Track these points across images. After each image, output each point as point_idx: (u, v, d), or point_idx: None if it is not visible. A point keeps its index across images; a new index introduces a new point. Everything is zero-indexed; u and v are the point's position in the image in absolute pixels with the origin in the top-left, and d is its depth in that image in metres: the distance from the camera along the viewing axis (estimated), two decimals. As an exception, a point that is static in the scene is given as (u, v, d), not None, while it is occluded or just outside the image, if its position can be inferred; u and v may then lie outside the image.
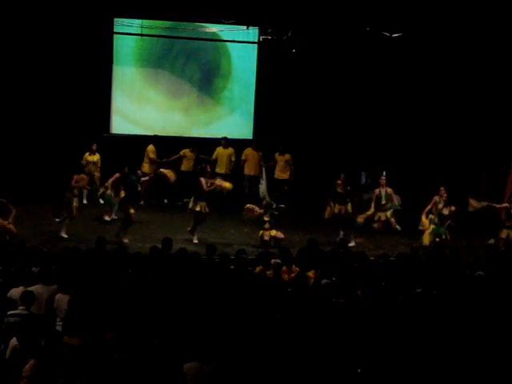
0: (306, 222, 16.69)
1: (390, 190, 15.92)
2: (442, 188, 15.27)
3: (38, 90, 18.02)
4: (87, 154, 17.66)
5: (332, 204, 15.30)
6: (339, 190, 15.28)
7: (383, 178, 16.21)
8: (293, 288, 9.61)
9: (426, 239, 14.98)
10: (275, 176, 18.32)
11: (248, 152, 18.38)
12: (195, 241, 14.51)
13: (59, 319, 8.50)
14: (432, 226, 15.07)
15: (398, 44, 18.87)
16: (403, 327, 8.35)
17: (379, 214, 15.70)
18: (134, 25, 18.52)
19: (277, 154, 18.35)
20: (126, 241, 13.94)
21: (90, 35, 17.85)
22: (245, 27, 19.15)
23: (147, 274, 9.74)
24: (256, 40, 19.69)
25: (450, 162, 19.06)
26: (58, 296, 8.71)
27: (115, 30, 18.79)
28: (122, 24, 18.65)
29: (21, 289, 8.58)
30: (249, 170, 18.33)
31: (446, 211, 15.10)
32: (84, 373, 6.63)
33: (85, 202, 17.65)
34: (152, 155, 18.00)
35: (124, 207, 14.69)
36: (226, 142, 18.34)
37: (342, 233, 15.23)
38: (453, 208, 15.08)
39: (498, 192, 17.60)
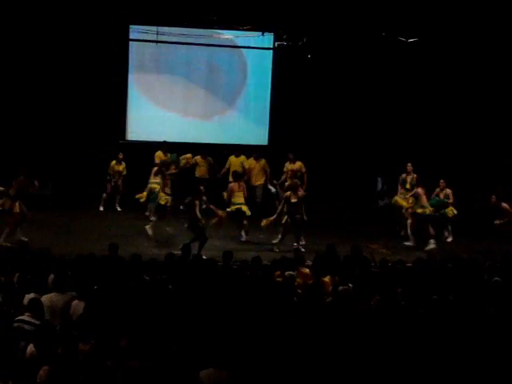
0: (322, 228, 16.59)
1: (415, 176, 16.28)
2: (441, 181, 15.89)
3: (55, 98, 18.13)
4: (114, 162, 17.73)
5: None
6: None
7: (409, 164, 16.41)
8: (308, 294, 9.55)
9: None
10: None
11: (250, 162, 17.72)
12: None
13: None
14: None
15: (414, 49, 18.83)
16: (419, 334, 8.29)
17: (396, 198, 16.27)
18: (150, 32, 18.58)
19: (287, 164, 17.64)
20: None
21: (106, 42, 17.97)
22: (260, 33, 19.18)
23: (163, 281, 9.73)
24: (271, 46, 19.70)
25: (466, 167, 18.96)
26: (75, 303, 8.71)
27: (131, 37, 18.86)
28: (137, 31, 18.74)
29: (31, 295, 8.58)
30: (254, 180, 17.66)
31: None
32: (98, 380, 6.61)
33: (101, 209, 17.70)
34: (157, 160, 17.76)
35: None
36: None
37: None
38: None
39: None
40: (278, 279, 10.36)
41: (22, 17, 17.29)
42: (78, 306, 8.62)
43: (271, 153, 18.69)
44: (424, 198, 15.66)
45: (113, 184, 17.78)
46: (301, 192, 14.87)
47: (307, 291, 9.62)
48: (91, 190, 17.81)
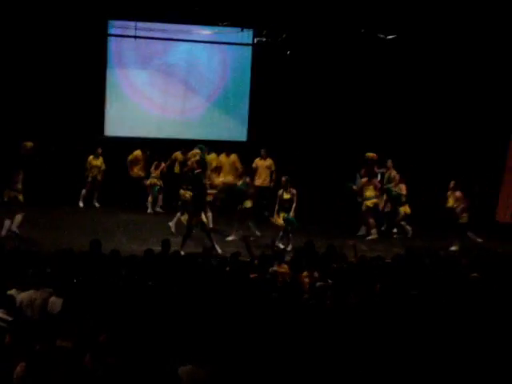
0: (302, 225, 16.55)
1: (394, 172, 16.85)
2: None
3: (32, 93, 17.96)
4: (91, 157, 17.73)
5: None
6: None
7: (389, 160, 17.04)
8: (286, 291, 9.56)
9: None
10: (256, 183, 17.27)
11: (221, 158, 17.78)
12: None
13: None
14: None
15: (393, 46, 18.89)
16: (399, 329, 8.32)
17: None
18: (129, 27, 18.50)
19: (257, 160, 17.83)
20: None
21: (84, 37, 17.85)
22: (239, 29, 19.15)
23: (142, 277, 9.71)
24: (250, 42, 19.67)
25: (450, 166, 19.10)
26: (52, 299, 8.67)
27: (109, 32, 18.77)
28: (115, 26, 18.65)
29: (13, 291, 8.52)
30: (223, 176, 17.66)
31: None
32: (76, 376, 6.58)
33: (81, 205, 17.63)
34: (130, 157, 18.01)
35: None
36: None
37: None
38: None
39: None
40: (253, 275, 10.37)
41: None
42: (55, 302, 8.59)
43: (250, 149, 18.69)
44: (369, 189, 16.10)
45: (90, 179, 17.69)
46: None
47: (285, 288, 9.64)
48: (70, 186, 17.70)
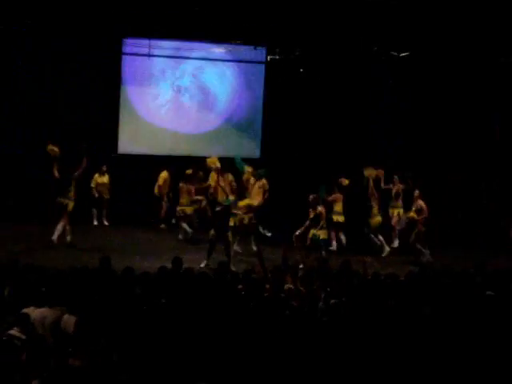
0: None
1: (401, 187, 17.09)
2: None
3: (47, 111, 18.06)
4: (97, 175, 17.70)
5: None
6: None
7: (396, 176, 17.17)
8: (302, 308, 9.55)
9: None
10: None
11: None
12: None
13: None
14: None
15: (406, 63, 18.90)
16: (412, 347, 8.28)
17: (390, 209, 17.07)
18: (142, 45, 18.60)
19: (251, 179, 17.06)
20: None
21: (98, 56, 17.96)
22: (252, 47, 19.23)
23: (155, 294, 9.70)
24: (264, 60, 19.73)
25: (460, 184, 19.10)
26: (65, 317, 8.67)
27: (123, 51, 18.87)
28: (129, 44, 18.75)
29: (31, 309, 8.54)
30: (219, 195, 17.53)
31: None
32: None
33: (95, 223, 17.60)
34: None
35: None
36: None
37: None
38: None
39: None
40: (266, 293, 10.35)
41: (15, 26, 17.28)
42: (68, 320, 8.58)
43: (263, 166, 18.68)
44: (338, 205, 16.30)
45: (97, 197, 17.74)
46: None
47: (300, 307, 9.62)
48: (83, 204, 17.69)
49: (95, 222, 17.72)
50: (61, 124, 18.07)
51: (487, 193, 19.21)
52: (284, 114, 19.48)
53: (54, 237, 14.97)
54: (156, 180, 17.89)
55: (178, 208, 16.89)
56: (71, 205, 15.06)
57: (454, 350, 8.27)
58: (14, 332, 7.96)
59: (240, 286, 10.56)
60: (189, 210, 16.83)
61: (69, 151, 17.77)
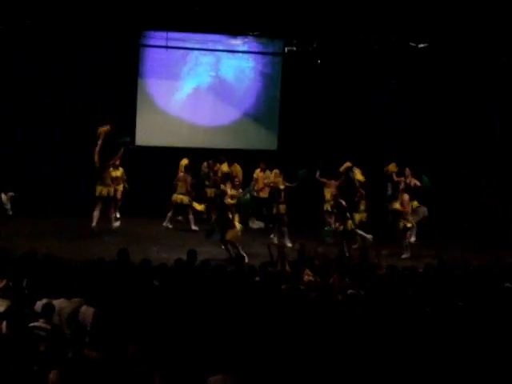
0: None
1: (414, 181, 16.71)
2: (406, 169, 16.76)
3: (64, 103, 18.12)
4: (111, 169, 16.81)
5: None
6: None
7: (407, 169, 16.82)
8: (319, 298, 9.53)
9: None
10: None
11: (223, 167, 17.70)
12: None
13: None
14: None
15: (425, 54, 18.79)
16: (431, 340, 8.24)
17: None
18: (160, 37, 18.61)
19: (257, 171, 17.92)
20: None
21: (117, 48, 17.98)
22: (270, 39, 19.17)
23: (172, 286, 9.71)
24: (281, 52, 19.67)
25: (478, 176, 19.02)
26: (83, 308, 8.69)
27: (141, 43, 18.88)
28: (147, 36, 18.77)
29: (44, 301, 8.57)
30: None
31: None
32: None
33: (118, 215, 17.16)
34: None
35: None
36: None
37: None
38: None
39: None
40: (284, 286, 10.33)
41: (33, 19, 17.32)
42: (87, 311, 8.61)
43: (281, 158, 18.67)
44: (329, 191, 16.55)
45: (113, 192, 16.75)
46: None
47: (319, 294, 9.61)
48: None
49: (118, 215, 17.10)
50: (79, 116, 18.12)
51: (487, 190, 19.07)
52: (301, 107, 19.42)
53: (94, 224, 15.53)
54: (174, 171, 17.84)
55: (174, 196, 16.94)
56: (111, 190, 15.80)
57: (475, 342, 8.23)
58: (39, 323, 8.02)
59: (257, 278, 10.56)
60: (184, 199, 16.89)
61: (86, 142, 17.92)
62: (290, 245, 15.34)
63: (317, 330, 8.33)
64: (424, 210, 18.26)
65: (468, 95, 19.03)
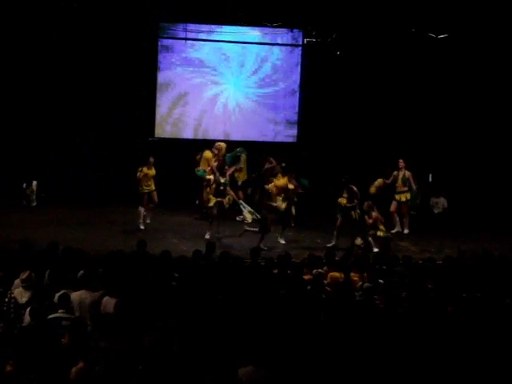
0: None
1: (408, 173, 16.44)
2: (400, 161, 16.40)
3: (84, 95, 18.21)
4: (145, 168, 15.83)
5: None
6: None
7: (401, 161, 16.51)
8: (339, 291, 9.55)
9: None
10: None
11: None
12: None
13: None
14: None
15: (444, 45, 18.69)
16: (451, 331, 8.24)
17: (396, 195, 16.44)
18: (179, 29, 18.65)
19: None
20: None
21: (136, 40, 18.04)
22: (289, 30, 19.15)
23: (191, 278, 9.76)
24: (300, 43, 19.64)
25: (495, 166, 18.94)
26: (105, 299, 8.75)
27: (160, 34, 18.93)
28: (166, 28, 18.81)
29: (61, 292, 8.64)
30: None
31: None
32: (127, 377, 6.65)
33: (142, 227, 15.84)
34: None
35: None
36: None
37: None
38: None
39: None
40: (307, 277, 10.35)
41: (52, 12, 17.41)
42: (108, 302, 8.67)
43: (301, 150, 18.67)
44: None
45: (147, 191, 15.82)
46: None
47: (338, 288, 9.62)
48: (119, 187, 17.82)
49: (142, 227, 15.69)
50: (98, 108, 18.22)
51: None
52: (321, 98, 19.38)
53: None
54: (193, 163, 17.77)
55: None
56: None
57: (496, 334, 8.22)
58: (60, 314, 8.10)
59: (275, 271, 10.58)
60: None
61: (105, 135, 18.04)
62: (283, 242, 14.99)
63: (335, 322, 8.37)
64: (443, 201, 18.27)
65: (489, 86, 18.91)
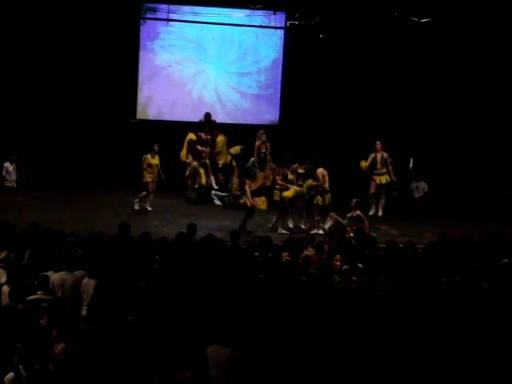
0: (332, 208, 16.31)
1: (385, 154, 16.57)
2: (377, 142, 16.53)
3: (66, 77, 18.08)
4: (149, 156, 15.70)
5: None
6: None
7: (378, 142, 16.58)
8: (319, 274, 9.59)
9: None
10: None
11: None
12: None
13: (85, 304, 8.57)
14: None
15: (427, 29, 18.70)
16: (431, 317, 8.29)
17: (375, 177, 16.52)
18: (161, 10, 18.55)
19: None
20: None
21: (117, 20, 17.90)
22: (272, 12, 19.08)
23: (172, 260, 9.77)
24: (283, 25, 19.58)
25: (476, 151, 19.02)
26: (85, 281, 8.76)
27: (142, 15, 18.80)
28: (148, 9, 18.69)
29: (49, 273, 8.62)
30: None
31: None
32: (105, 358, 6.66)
33: (136, 207, 15.58)
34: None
35: None
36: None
37: None
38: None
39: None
40: (286, 259, 10.39)
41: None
42: (88, 283, 8.67)
43: (282, 132, 18.64)
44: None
45: (151, 180, 15.63)
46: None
47: (318, 271, 9.66)
48: (102, 169, 17.75)
49: (136, 207, 15.52)
50: (80, 90, 18.10)
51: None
52: (303, 80, 19.36)
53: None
54: (178, 145, 17.68)
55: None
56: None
57: (474, 318, 8.28)
58: (39, 295, 8.08)
59: (257, 253, 10.61)
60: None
61: (86, 116, 17.93)
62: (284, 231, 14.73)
63: (315, 304, 8.40)
64: (424, 186, 18.36)
65: (470, 71, 18.94)
